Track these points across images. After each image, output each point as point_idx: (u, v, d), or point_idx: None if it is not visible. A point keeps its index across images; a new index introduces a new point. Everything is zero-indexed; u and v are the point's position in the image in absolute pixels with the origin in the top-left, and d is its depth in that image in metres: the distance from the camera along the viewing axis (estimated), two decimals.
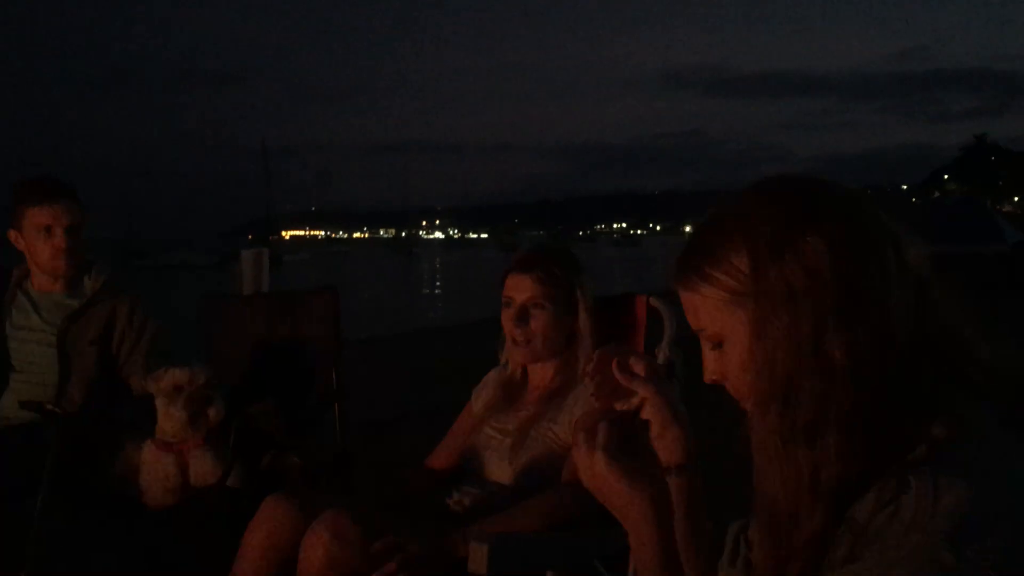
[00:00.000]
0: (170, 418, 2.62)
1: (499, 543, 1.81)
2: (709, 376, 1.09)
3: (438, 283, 41.65)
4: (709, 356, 1.08)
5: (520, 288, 2.28)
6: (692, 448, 1.19)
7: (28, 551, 2.50)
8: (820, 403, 0.91)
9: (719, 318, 1.02)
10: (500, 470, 2.26)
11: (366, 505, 2.08)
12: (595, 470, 1.12)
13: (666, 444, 1.21)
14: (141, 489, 2.66)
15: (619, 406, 1.23)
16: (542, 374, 2.37)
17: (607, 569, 2.04)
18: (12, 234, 2.92)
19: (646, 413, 1.21)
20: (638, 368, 1.23)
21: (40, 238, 2.84)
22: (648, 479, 1.12)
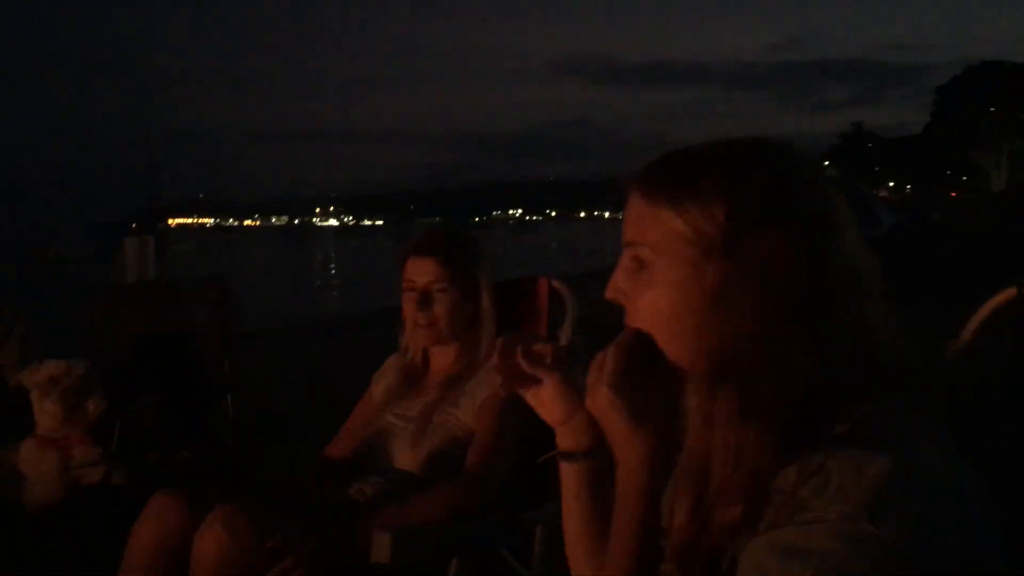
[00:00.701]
0: (45, 412, 2.49)
1: (402, 532, 1.77)
2: (612, 291, 1.04)
3: (332, 271, 41.06)
4: (624, 272, 1.03)
5: (421, 271, 2.24)
6: (598, 434, 1.16)
7: None
8: (770, 382, 0.90)
9: (663, 246, 0.98)
10: (404, 458, 2.22)
11: (260, 500, 2.00)
12: (599, 403, 1.05)
13: (572, 430, 1.20)
14: (20, 489, 2.52)
15: (525, 393, 1.21)
16: (443, 358, 2.33)
17: (515, 555, 2.02)
18: None
19: (551, 399, 1.19)
20: (543, 354, 1.21)
21: None
22: (653, 422, 1.06)
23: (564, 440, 1.21)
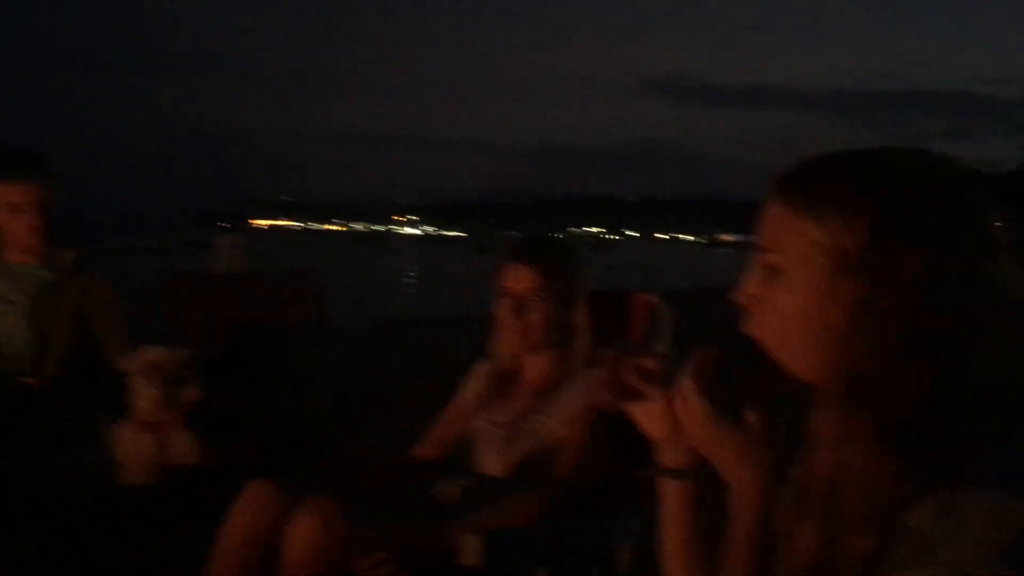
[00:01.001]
0: (144, 397, 2.56)
1: (493, 536, 1.77)
2: (742, 296, 1.02)
3: (412, 278, 41.57)
4: (756, 278, 1.01)
5: (519, 278, 2.24)
6: (699, 455, 1.15)
7: None
8: (907, 408, 0.87)
9: (799, 255, 0.95)
10: (492, 462, 2.23)
11: (351, 493, 2.02)
12: (690, 409, 1.04)
13: (675, 447, 1.18)
14: (118, 470, 2.60)
15: (631, 407, 1.20)
16: (536, 367, 2.33)
17: (601, 568, 2.00)
18: None
19: (658, 415, 1.18)
20: (652, 369, 1.19)
21: (10, 215, 2.77)
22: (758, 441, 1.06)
23: (667, 457, 1.20)
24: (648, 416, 1.19)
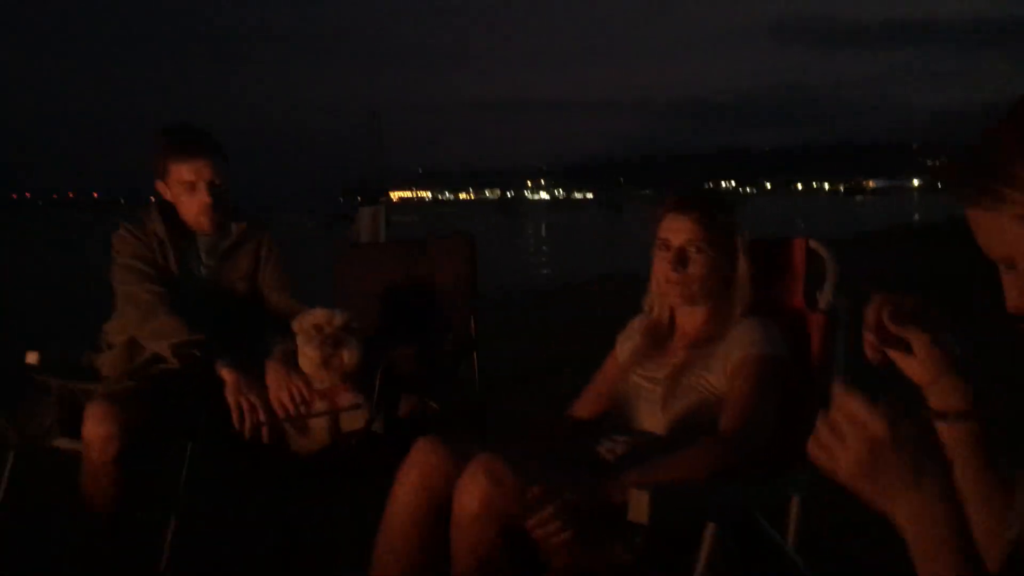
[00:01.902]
0: (305, 357, 2.62)
1: (661, 491, 1.75)
2: (1012, 304, 1.00)
3: (546, 244, 41.76)
4: (1007, 282, 1.00)
5: (679, 230, 2.20)
6: (972, 396, 1.18)
7: (179, 495, 2.57)
8: None
9: (1011, 237, 0.94)
10: (652, 419, 2.20)
11: (518, 450, 2.03)
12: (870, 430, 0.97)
13: (941, 391, 1.19)
14: (288, 436, 2.68)
15: (892, 354, 1.23)
16: (693, 320, 2.28)
17: (770, 523, 1.96)
18: (160, 185, 2.92)
19: (921, 360, 1.20)
20: (910, 315, 1.21)
21: (185, 193, 2.84)
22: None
23: (936, 400, 1.20)
24: (909, 363, 1.22)
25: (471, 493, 1.87)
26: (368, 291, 3.07)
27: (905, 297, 1.23)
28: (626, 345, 2.41)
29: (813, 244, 2.29)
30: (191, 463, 2.58)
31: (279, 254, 3.01)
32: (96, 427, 2.44)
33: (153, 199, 2.96)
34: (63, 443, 2.68)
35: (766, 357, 2.11)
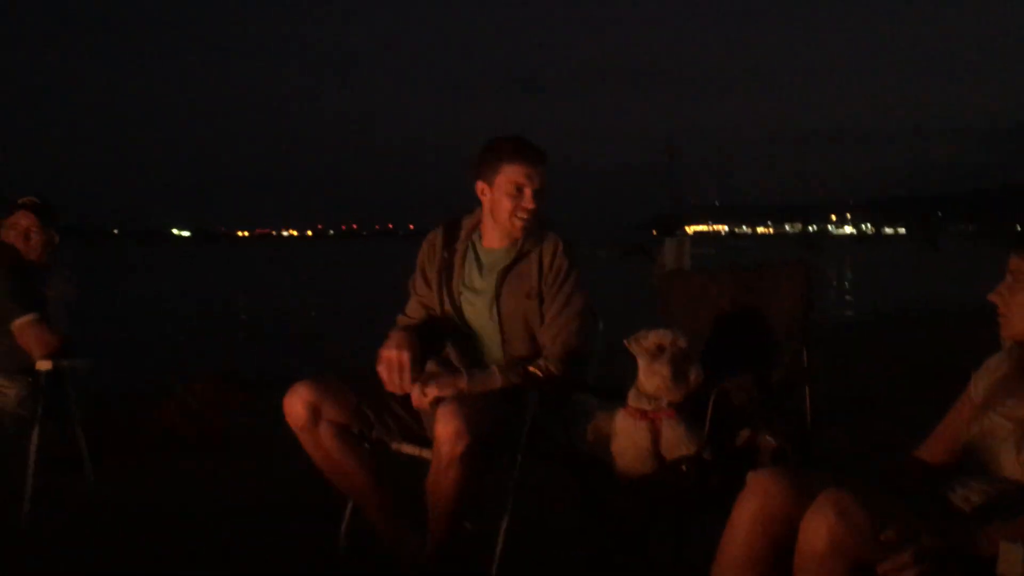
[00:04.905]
0: (653, 374, 2.64)
1: None
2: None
3: (848, 280, 39.64)
4: None
5: None
6: None
7: (505, 506, 2.70)
8: None
9: None
10: (1009, 463, 2.00)
11: (867, 488, 1.92)
12: None
13: None
14: (613, 457, 2.72)
15: None
16: None
17: None
18: (480, 186, 3.02)
19: None
20: None
21: (509, 196, 2.93)
22: None
23: None
24: None
25: (818, 530, 1.79)
26: (695, 318, 3.05)
27: None
28: (981, 382, 2.22)
29: None
30: (519, 472, 2.71)
31: (563, 264, 2.97)
32: (446, 426, 2.62)
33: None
34: (408, 449, 2.91)
35: None
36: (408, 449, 2.92)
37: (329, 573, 3.01)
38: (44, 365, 3.52)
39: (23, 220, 3.74)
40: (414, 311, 3.13)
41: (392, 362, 2.84)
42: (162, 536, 3.37)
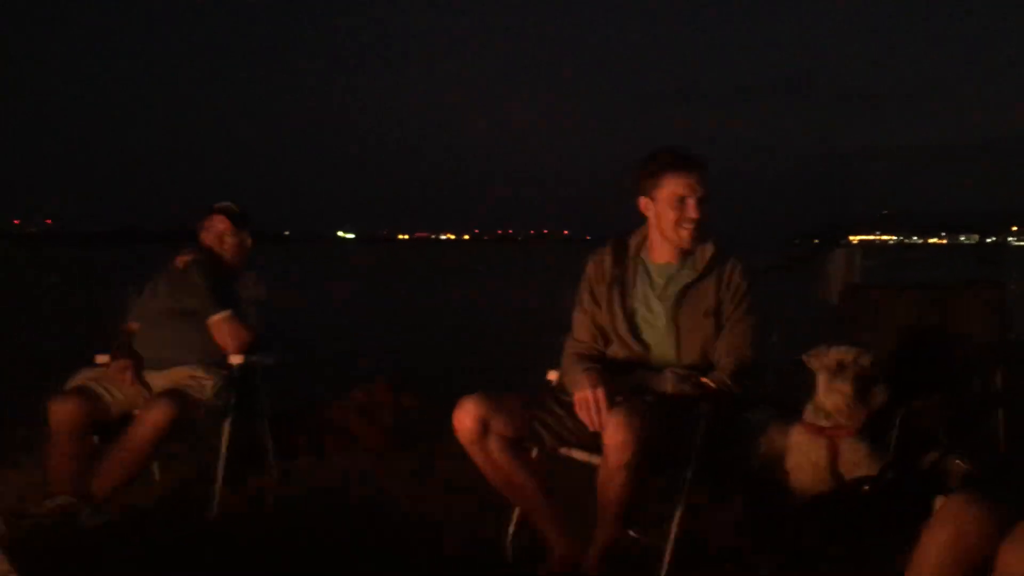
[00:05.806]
0: (834, 392, 2.57)
1: None
2: None
3: None
4: None
5: None
6: None
7: (674, 517, 2.68)
8: None
9: None
10: None
11: None
12: None
13: None
14: (786, 473, 2.66)
15: None
16: None
17: None
18: (644, 201, 3.00)
19: None
20: None
21: (672, 207, 2.91)
22: None
23: None
24: None
25: (1018, 558, 1.71)
26: (880, 334, 2.94)
27: None
28: None
29: None
30: (689, 485, 2.69)
31: (741, 283, 2.92)
32: (615, 434, 2.63)
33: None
34: (577, 454, 2.93)
35: None
36: (578, 455, 2.95)
37: None
38: (236, 359, 3.74)
39: (219, 224, 3.99)
40: (582, 333, 3.13)
41: (589, 403, 2.87)
42: (338, 533, 3.49)
